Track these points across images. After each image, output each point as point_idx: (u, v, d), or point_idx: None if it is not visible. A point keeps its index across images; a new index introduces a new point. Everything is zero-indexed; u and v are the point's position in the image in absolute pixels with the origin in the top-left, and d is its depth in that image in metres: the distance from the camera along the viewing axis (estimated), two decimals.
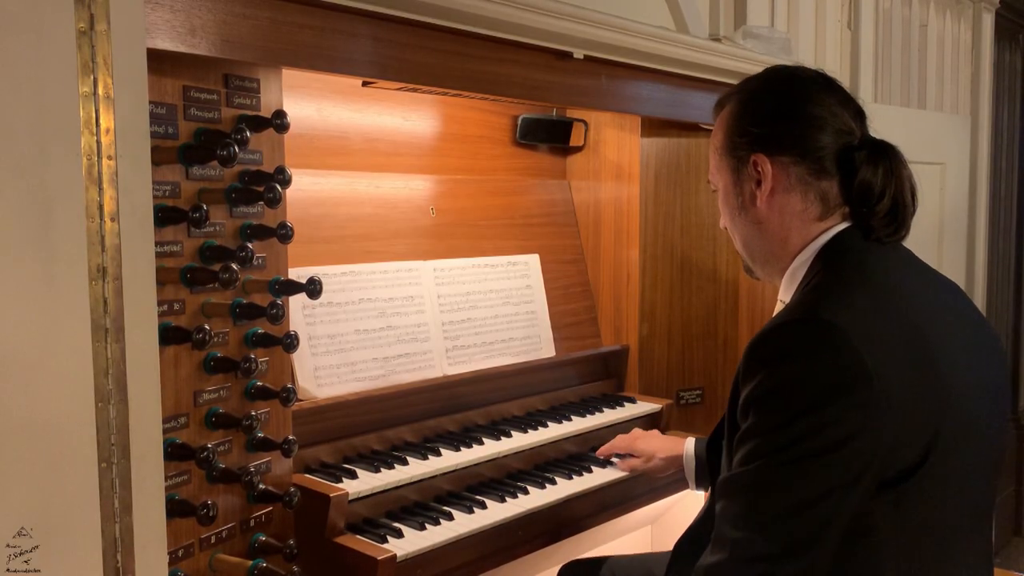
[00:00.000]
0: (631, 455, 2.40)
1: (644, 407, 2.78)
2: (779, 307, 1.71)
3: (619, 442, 2.45)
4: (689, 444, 2.27)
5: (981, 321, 1.66)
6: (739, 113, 1.68)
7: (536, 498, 2.22)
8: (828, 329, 1.39)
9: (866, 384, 1.35)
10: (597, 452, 2.48)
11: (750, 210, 1.67)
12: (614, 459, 2.46)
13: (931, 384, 1.42)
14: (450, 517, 2.06)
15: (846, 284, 1.51)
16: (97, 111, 1.19)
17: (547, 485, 2.30)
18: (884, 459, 1.38)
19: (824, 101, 1.61)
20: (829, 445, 1.35)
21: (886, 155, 1.58)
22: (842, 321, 1.39)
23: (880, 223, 1.57)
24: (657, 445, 2.36)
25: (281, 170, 1.79)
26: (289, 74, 1.93)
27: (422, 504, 2.13)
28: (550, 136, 2.95)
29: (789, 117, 1.62)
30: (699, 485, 2.27)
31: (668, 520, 2.99)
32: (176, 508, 1.63)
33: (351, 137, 2.45)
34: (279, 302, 1.79)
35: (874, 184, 1.56)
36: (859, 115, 1.65)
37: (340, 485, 1.99)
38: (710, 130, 3.04)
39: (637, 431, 2.49)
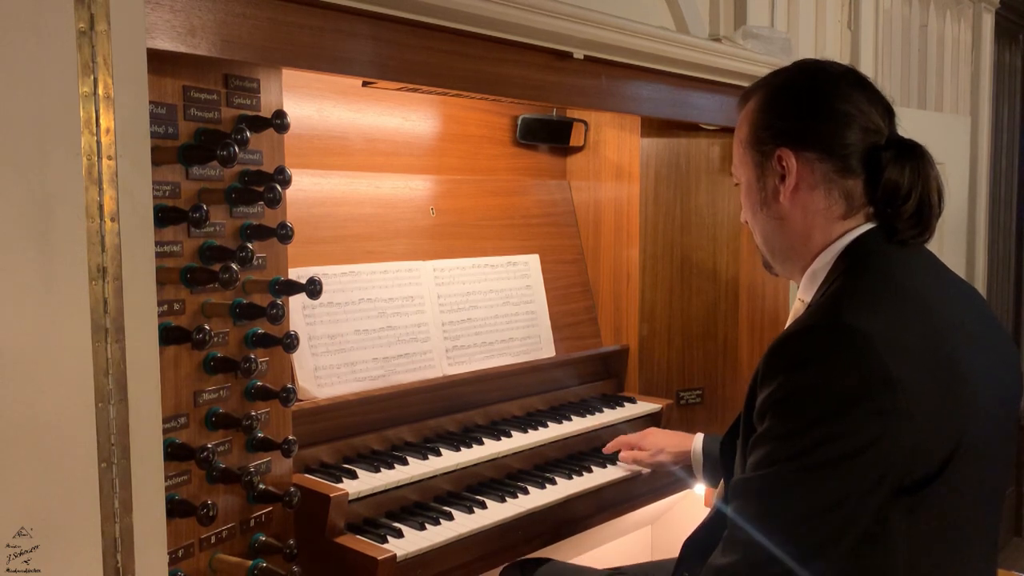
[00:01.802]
0: (637, 448, 2.41)
1: (644, 407, 2.78)
2: (798, 306, 1.69)
3: (626, 438, 2.45)
4: (698, 440, 2.27)
5: (997, 325, 1.64)
6: (765, 106, 1.64)
7: (536, 498, 2.22)
8: (852, 335, 1.37)
9: (888, 391, 1.33)
10: (605, 448, 2.48)
11: (772, 205, 1.64)
12: (620, 453, 2.45)
13: (955, 392, 1.40)
14: (450, 517, 2.06)
15: (870, 288, 1.49)
16: (97, 111, 1.19)
17: (547, 485, 2.30)
18: (903, 466, 1.36)
19: (853, 98, 1.58)
20: (848, 452, 1.34)
21: (913, 155, 1.56)
22: (867, 327, 1.37)
23: (905, 224, 1.54)
24: (665, 440, 2.36)
25: (281, 170, 1.79)
26: (289, 74, 1.93)
27: (422, 504, 2.13)
28: (550, 136, 2.94)
29: (817, 113, 1.59)
30: (705, 480, 2.28)
31: (668, 520, 3.00)
32: (176, 508, 1.63)
33: (351, 137, 2.45)
34: (279, 302, 1.79)
35: (901, 184, 1.53)
36: (888, 113, 1.61)
37: (340, 485, 1.99)
38: (710, 130, 3.06)
39: (647, 430, 2.50)
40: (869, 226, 1.58)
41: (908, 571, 1.42)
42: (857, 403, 1.34)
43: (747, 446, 1.48)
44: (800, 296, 1.67)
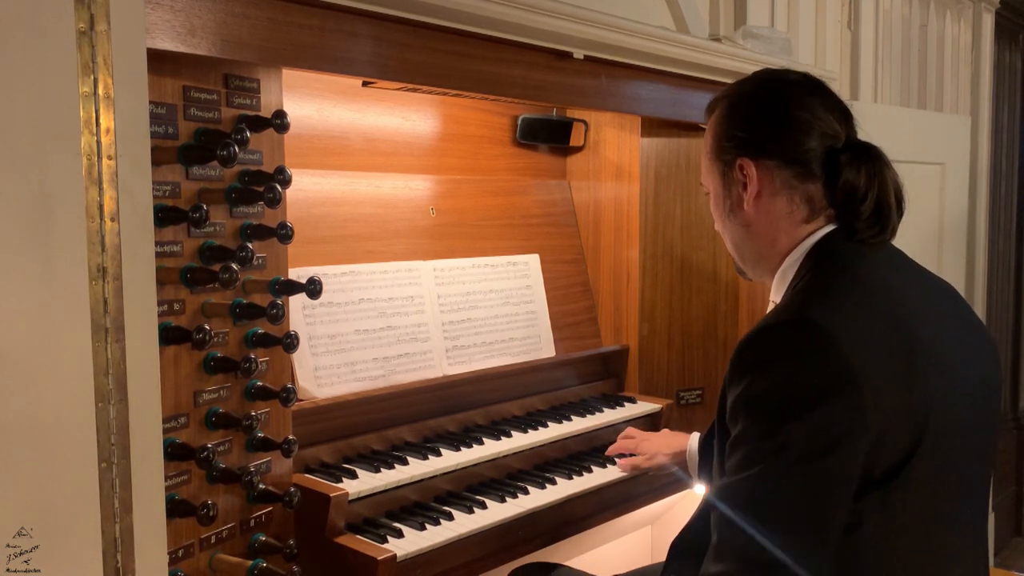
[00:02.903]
0: (635, 454, 2.42)
1: (644, 407, 2.78)
2: (771, 308, 1.72)
3: (624, 443, 2.46)
4: (694, 439, 2.28)
5: (973, 319, 1.66)
6: (726, 117, 1.69)
7: (536, 498, 2.22)
8: (814, 331, 1.39)
9: (853, 386, 1.36)
10: (608, 450, 2.48)
11: (738, 213, 1.68)
12: (617, 458, 2.46)
13: (917, 384, 1.42)
14: (450, 517, 2.06)
15: (833, 285, 1.51)
16: (97, 111, 1.19)
17: (547, 485, 2.30)
18: (871, 458, 1.38)
19: (809, 104, 1.62)
20: (822, 448, 1.36)
21: (868, 157, 1.59)
22: (828, 323, 1.40)
23: (864, 225, 1.57)
24: (661, 443, 2.37)
25: (281, 170, 1.79)
26: (289, 74, 1.93)
27: (422, 504, 2.13)
28: (550, 136, 2.95)
29: (774, 121, 1.63)
30: (702, 478, 2.28)
31: (668, 520, 2.99)
32: (176, 508, 1.63)
33: (351, 137, 2.45)
34: (279, 302, 1.79)
35: (857, 186, 1.56)
36: (845, 117, 1.65)
37: (340, 485, 1.99)
38: None
39: (644, 432, 2.50)
40: (831, 227, 1.61)
41: (882, 565, 1.43)
42: (824, 399, 1.36)
43: (723, 448, 1.49)
44: (772, 297, 1.71)
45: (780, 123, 1.62)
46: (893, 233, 1.61)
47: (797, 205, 1.62)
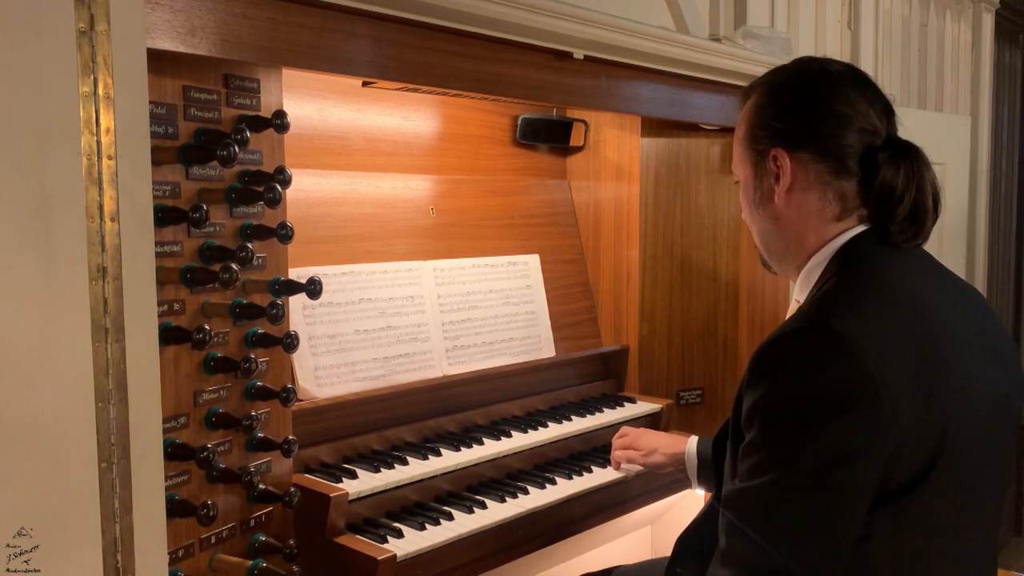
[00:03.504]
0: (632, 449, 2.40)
1: (644, 407, 2.78)
2: (793, 306, 1.69)
3: (620, 443, 2.44)
4: (692, 442, 2.25)
5: (998, 329, 1.61)
6: (762, 105, 1.63)
7: (536, 498, 2.22)
8: (836, 339, 1.35)
9: (873, 398, 1.32)
10: (612, 463, 2.45)
11: (768, 205, 1.63)
12: (614, 453, 2.44)
13: (938, 397, 1.39)
14: (450, 517, 2.06)
15: (858, 291, 1.47)
16: (97, 111, 1.19)
17: (547, 485, 2.30)
18: (887, 471, 1.35)
19: (850, 98, 1.55)
20: (837, 459, 1.33)
21: (908, 156, 1.53)
22: (851, 331, 1.36)
23: (898, 228, 1.52)
24: (659, 441, 2.34)
25: (281, 170, 1.79)
26: (289, 74, 1.93)
27: (422, 504, 2.13)
28: (550, 136, 2.95)
29: (812, 113, 1.57)
30: (701, 483, 2.26)
31: (668, 520, 2.99)
32: (176, 508, 1.63)
33: (351, 137, 2.45)
34: (279, 302, 1.79)
35: (895, 186, 1.50)
36: (887, 113, 1.59)
37: (340, 485, 1.99)
38: (710, 130, 3.06)
39: (639, 430, 2.48)
40: (863, 228, 1.56)
41: (894, 574, 1.40)
42: (842, 410, 1.33)
43: (737, 451, 1.46)
44: (796, 296, 1.66)
45: (818, 115, 1.56)
46: (926, 237, 1.55)
47: (829, 202, 1.56)
